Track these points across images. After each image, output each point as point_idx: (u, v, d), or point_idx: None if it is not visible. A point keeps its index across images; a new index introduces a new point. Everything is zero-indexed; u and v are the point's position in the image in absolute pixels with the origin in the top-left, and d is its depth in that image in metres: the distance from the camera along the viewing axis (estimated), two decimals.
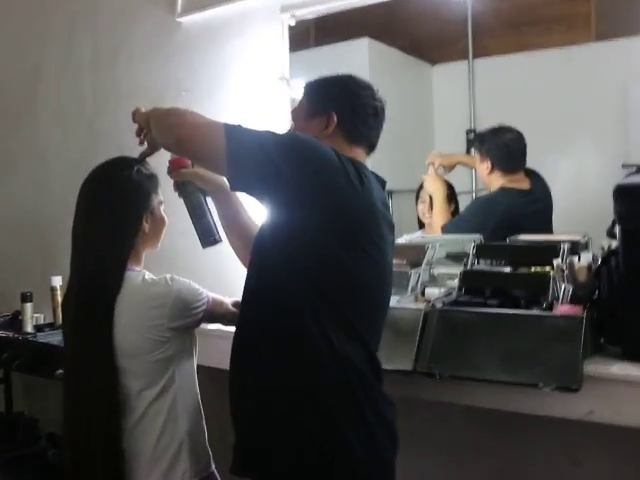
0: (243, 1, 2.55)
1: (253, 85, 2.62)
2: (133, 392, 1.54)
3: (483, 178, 2.44)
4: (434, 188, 2.49)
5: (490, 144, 2.36)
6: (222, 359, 1.54)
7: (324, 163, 1.39)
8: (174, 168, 1.68)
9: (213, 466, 1.67)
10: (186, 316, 1.58)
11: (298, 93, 1.97)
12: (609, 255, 1.68)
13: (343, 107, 1.55)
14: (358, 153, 1.56)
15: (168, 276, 1.58)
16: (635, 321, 1.56)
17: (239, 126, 1.41)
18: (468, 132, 2.65)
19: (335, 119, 1.53)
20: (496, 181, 2.39)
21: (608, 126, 2.45)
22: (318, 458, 1.37)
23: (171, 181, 1.70)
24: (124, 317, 1.53)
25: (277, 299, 1.41)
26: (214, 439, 1.71)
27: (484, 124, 2.58)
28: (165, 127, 1.49)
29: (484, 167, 2.39)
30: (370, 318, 1.48)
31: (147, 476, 1.55)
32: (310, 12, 2.51)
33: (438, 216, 2.47)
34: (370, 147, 1.60)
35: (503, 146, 2.34)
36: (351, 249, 1.40)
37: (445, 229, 2.37)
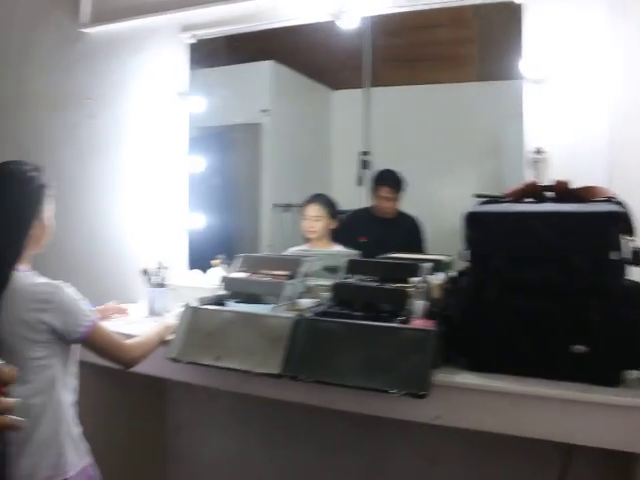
0: (147, 18, 2.68)
1: (154, 97, 2.74)
2: None
3: (394, 207, 2.76)
4: None
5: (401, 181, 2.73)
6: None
7: None
8: None
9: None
10: (66, 323, 1.60)
11: (197, 108, 2.02)
12: (459, 275, 1.79)
13: None
14: None
15: (60, 282, 1.63)
16: (475, 336, 1.67)
17: None
18: (362, 153, 2.83)
19: None
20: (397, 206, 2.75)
21: (485, 158, 2.68)
22: None
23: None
24: (7, 313, 1.57)
25: None
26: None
27: (377, 147, 2.79)
28: None
29: (399, 197, 2.74)
30: None
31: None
32: (210, 33, 2.66)
33: None
34: None
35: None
36: None
37: None
